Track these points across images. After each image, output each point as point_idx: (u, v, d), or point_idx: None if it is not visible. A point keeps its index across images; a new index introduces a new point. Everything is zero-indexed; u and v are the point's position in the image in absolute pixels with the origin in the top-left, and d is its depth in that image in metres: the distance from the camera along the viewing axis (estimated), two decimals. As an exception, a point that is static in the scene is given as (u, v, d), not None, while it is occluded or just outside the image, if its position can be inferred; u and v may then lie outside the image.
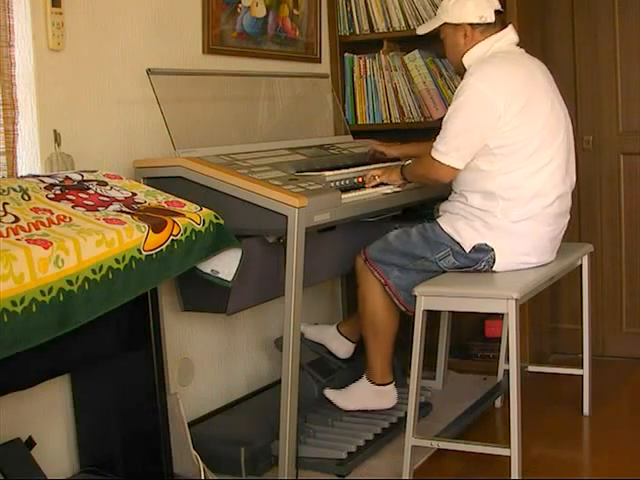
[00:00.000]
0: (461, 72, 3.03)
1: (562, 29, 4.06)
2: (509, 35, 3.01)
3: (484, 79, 2.85)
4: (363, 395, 3.13)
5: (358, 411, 3.16)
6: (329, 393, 3.17)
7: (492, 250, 2.89)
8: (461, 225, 2.92)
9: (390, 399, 3.14)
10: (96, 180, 2.53)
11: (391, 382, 3.14)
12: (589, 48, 4.02)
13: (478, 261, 2.91)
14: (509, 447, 2.66)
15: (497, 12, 2.99)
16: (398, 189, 3.11)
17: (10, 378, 2.17)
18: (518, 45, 3.05)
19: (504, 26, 3.02)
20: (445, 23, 3.03)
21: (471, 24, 2.97)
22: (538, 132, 2.87)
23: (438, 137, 2.89)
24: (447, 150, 2.85)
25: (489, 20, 2.97)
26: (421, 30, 3.19)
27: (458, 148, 2.84)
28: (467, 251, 2.90)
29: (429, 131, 2.99)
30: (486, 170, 2.87)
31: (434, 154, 2.88)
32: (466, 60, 2.98)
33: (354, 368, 3.28)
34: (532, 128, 2.86)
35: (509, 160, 2.85)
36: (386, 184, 3.11)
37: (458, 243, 2.90)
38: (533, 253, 2.94)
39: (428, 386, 3.57)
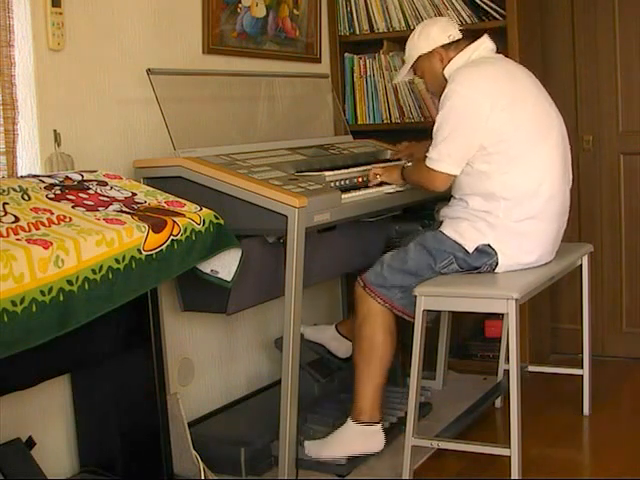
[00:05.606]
0: None
1: (562, 29, 4.06)
2: (486, 43, 3.02)
3: (465, 82, 2.85)
4: (349, 439, 2.90)
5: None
6: (309, 447, 2.93)
7: (495, 254, 2.87)
8: (464, 227, 2.90)
9: (378, 441, 2.92)
10: (96, 180, 2.53)
11: (380, 422, 2.93)
12: (589, 48, 4.02)
13: (481, 265, 2.89)
14: (509, 447, 2.66)
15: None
16: (399, 188, 3.11)
17: (10, 378, 2.17)
18: (506, 52, 3.07)
19: (478, 36, 3.03)
20: (419, 57, 3.04)
21: (442, 45, 3.00)
22: (528, 128, 2.87)
23: (430, 146, 2.89)
24: (440, 157, 2.84)
25: (457, 37, 3.02)
26: (397, 78, 3.26)
27: (450, 154, 2.84)
28: (470, 252, 2.88)
29: (429, 131, 2.98)
30: (484, 171, 2.86)
31: (428, 163, 2.88)
32: (447, 71, 2.98)
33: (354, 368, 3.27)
34: (520, 123, 2.85)
35: (504, 158, 2.84)
36: (387, 183, 3.11)
37: (461, 246, 2.88)
38: (536, 252, 2.93)
39: (428, 386, 3.57)
